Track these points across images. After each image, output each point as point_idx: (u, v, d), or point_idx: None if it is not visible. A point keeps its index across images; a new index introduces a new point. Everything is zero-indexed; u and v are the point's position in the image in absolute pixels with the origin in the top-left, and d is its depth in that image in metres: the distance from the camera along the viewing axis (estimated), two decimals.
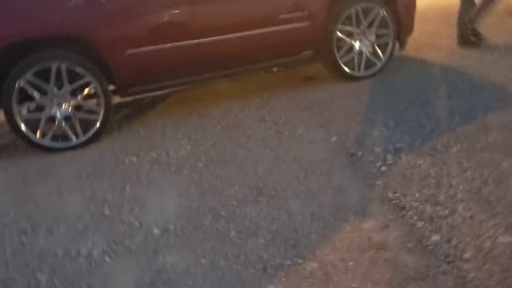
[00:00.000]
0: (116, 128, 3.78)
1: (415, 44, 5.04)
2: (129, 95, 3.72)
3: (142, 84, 3.67)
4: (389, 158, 2.62)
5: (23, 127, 3.33)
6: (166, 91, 4.13)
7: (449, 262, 1.75)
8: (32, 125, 3.36)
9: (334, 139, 3.04)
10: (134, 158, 3.19)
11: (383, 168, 2.52)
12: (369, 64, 4.25)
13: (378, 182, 2.39)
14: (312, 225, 2.11)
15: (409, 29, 4.35)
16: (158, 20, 3.51)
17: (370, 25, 4.17)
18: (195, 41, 3.61)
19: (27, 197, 2.80)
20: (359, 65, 4.21)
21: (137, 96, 3.97)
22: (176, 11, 3.55)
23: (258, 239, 2.07)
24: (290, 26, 3.86)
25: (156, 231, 2.28)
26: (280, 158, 2.89)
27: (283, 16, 3.82)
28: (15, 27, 3.19)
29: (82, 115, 3.48)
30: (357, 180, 2.45)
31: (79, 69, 3.36)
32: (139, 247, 2.16)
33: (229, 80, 4.51)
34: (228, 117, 3.75)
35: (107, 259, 2.11)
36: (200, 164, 2.97)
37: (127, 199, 2.63)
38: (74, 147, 3.47)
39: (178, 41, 3.57)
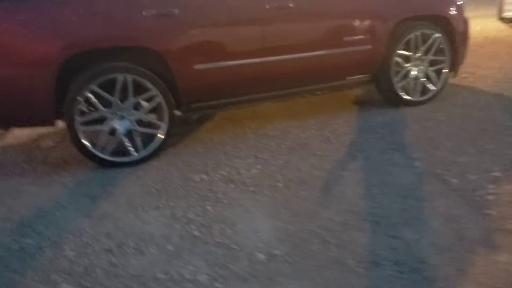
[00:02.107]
0: (171, 145, 3.63)
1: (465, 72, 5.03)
2: (191, 111, 3.59)
3: (205, 100, 3.55)
4: (491, 187, 2.52)
5: (84, 139, 3.17)
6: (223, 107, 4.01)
7: None
8: (92, 138, 3.22)
9: (417, 164, 2.94)
10: (204, 176, 3.05)
11: (489, 197, 2.41)
12: (423, 90, 4.21)
13: (491, 212, 2.28)
14: (440, 256, 1.98)
15: (463, 57, 4.33)
16: (228, 37, 3.42)
17: (426, 52, 4.13)
18: (262, 59, 3.53)
19: (99, 215, 2.64)
20: (414, 90, 4.16)
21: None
22: (246, 29, 3.47)
23: (385, 270, 1.93)
24: (354, 48, 3.80)
25: (260, 256, 2.13)
26: (366, 181, 2.78)
27: (348, 38, 3.75)
28: (85, 37, 3.05)
29: (144, 129, 3.34)
30: (465, 209, 2.34)
31: (145, 82, 3.23)
32: (248, 273, 2.01)
33: (275, 100, 4.42)
34: (290, 137, 3.64)
35: (218, 285, 1.95)
36: (280, 184, 2.84)
37: (213, 219, 2.49)
38: (134, 163, 3.31)
39: (246, 59, 3.48)
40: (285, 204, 2.59)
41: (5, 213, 2.69)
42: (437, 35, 4.08)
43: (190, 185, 2.94)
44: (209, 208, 2.61)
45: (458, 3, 4.17)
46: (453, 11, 4.11)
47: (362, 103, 4.47)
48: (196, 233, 2.37)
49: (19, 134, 4.15)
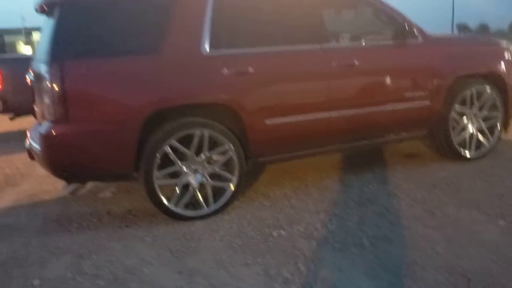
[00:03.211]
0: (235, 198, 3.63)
1: None
2: (259, 164, 3.62)
3: (273, 153, 3.59)
4: None
5: (159, 193, 3.18)
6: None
7: None
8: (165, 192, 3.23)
9: (501, 222, 2.94)
10: (282, 231, 3.04)
11: None
12: (478, 146, 4.26)
13: None
14: None
15: None
16: (298, 93, 3.51)
17: (481, 107, 4.21)
18: (328, 114, 3.60)
19: (189, 271, 2.61)
20: (469, 146, 4.21)
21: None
22: (315, 85, 3.56)
23: None
24: (414, 103, 3.88)
25: None
26: (454, 239, 2.76)
27: (409, 94, 3.84)
28: (170, 93, 3.14)
29: (216, 182, 3.35)
30: None
31: (220, 137, 3.28)
32: None
33: (337, 153, 4.46)
34: (353, 191, 3.65)
35: None
36: (365, 242, 2.82)
37: (311, 279, 2.46)
38: (205, 216, 3.31)
39: (313, 113, 3.55)
40: (379, 263, 2.56)
41: (94, 271, 2.65)
42: (491, 91, 4.17)
43: (270, 241, 2.92)
44: (301, 267, 2.58)
45: (508, 59, 4.29)
46: (505, 67, 4.23)
47: (412, 157, 4.51)
48: None
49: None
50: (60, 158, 3.03)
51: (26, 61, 6.68)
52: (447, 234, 2.83)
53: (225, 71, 3.25)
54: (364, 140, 3.90)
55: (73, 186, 3.28)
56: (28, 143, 3.49)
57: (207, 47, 3.25)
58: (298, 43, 3.52)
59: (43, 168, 3.22)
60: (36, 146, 3.19)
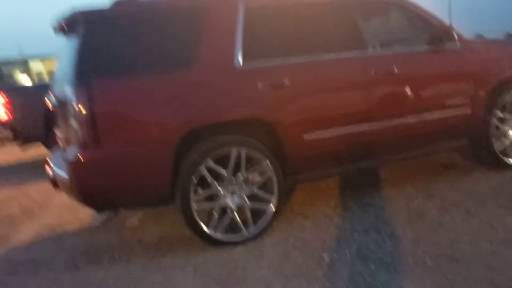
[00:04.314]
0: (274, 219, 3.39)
1: None
2: (297, 182, 3.40)
3: (311, 170, 3.37)
4: None
5: (197, 218, 2.96)
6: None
7: None
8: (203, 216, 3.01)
9: None
10: (334, 254, 2.81)
11: None
12: None
13: None
14: None
15: None
16: (337, 104, 3.32)
17: None
18: (367, 126, 3.39)
19: None
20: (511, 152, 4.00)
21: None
22: (354, 95, 3.36)
23: None
24: (455, 111, 3.68)
25: None
26: None
27: (450, 102, 3.65)
28: (205, 111, 2.94)
29: (256, 204, 3.13)
30: None
31: (258, 155, 3.07)
32: None
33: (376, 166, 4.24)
34: (398, 206, 3.43)
35: None
36: (429, 262, 2.58)
37: None
38: (245, 241, 3.08)
39: (352, 125, 3.35)
40: (449, 285, 2.32)
41: None
42: None
43: (324, 266, 2.68)
44: None
45: None
46: None
47: (451, 167, 4.29)
48: None
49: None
50: (91, 185, 2.80)
51: (31, 90, 6.66)
52: None
53: (260, 84, 3.06)
54: (406, 152, 3.68)
55: (104, 216, 3.05)
56: (50, 171, 3.28)
57: (240, 59, 3.06)
58: (334, 51, 3.33)
59: (71, 197, 2.99)
60: (62, 173, 2.97)
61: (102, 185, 2.80)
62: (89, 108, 2.71)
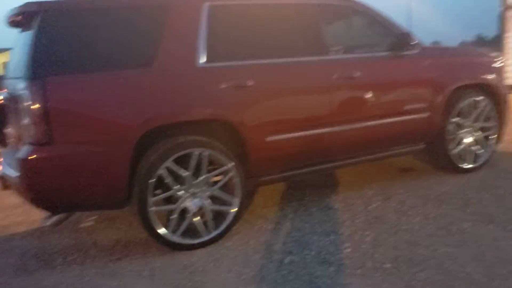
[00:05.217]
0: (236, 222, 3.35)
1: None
2: (259, 184, 3.37)
3: (273, 172, 3.36)
4: None
5: (155, 221, 2.88)
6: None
7: None
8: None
9: None
10: (294, 257, 2.81)
11: None
12: (474, 157, 4.17)
13: None
14: None
15: (506, 122, 4.37)
16: (300, 106, 3.31)
17: (476, 118, 4.14)
18: (328, 129, 3.41)
19: None
20: (466, 157, 4.12)
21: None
22: (317, 98, 3.37)
23: None
24: (414, 116, 3.76)
25: None
26: (483, 258, 2.59)
27: (409, 107, 3.72)
28: (163, 110, 2.86)
29: (217, 206, 3.08)
30: None
31: (220, 156, 3.02)
32: None
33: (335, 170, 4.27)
34: (357, 210, 3.46)
35: None
36: (388, 265, 2.61)
37: None
38: (205, 244, 3.02)
39: (314, 129, 3.35)
40: None
41: None
42: (486, 102, 4.11)
43: (284, 269, 2.67)
44: None
45: (498, 68, 4.25)
46: (497, 77, 4.18)
47: (409, 171, 4.38)
48: None
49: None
50: (42, 184, 2.67)
51: None
52: (472, 253, 2.66)
53: (223, 84, 3.01)
54: (365, 156, 3.73)
55: (55, 218, 2.91)
56: (0, 170, 3.11)
57: (202, 59, 3.00)
58: (297, 55, 3.32)
59: (22, 197, 2.84)
60: (12, 172, 2.81)
61: (54, 184, 2.67)
62: (43, 104, 2.59)
